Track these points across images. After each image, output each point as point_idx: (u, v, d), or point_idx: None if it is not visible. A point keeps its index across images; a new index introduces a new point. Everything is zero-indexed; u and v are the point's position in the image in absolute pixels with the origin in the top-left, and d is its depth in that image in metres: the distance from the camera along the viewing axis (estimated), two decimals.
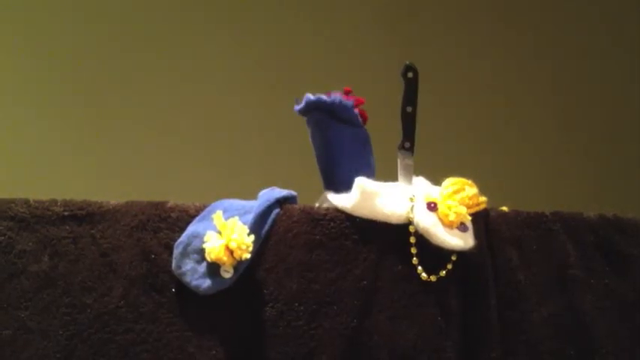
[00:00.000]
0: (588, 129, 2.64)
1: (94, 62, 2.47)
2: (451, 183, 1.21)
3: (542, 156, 2.62)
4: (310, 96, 1.24)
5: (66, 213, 1.15)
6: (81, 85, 2.47)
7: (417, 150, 1.23)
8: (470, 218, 1.18)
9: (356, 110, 1.25)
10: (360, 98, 1.27)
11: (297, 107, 1.25)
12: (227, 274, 1.12)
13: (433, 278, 1.16)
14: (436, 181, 1.23)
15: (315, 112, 1.25)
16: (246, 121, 2.50)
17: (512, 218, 1.23)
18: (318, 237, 1.16)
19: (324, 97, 1.24)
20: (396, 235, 1.16)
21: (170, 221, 1.15)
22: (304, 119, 1.28)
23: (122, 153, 2.46)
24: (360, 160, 1.25)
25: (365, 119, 1.27)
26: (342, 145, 1.25)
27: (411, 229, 1.16)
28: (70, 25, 2.48)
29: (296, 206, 1.19)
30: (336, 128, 1.25)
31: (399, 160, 1.23)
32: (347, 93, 1.26)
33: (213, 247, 1.11)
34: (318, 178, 1.29)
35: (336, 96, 1.24)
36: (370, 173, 1.23)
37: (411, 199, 1.18)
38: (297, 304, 1.13)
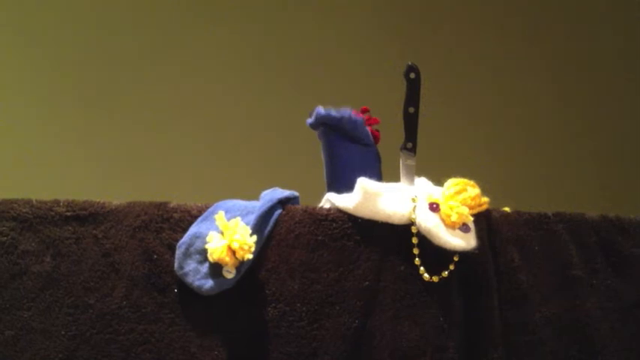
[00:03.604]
0: (590, 130, 2.64)
1: (96, 62, 2.47)
2: (453, 184, 1.21)
3: (545, 157, 2.62)
4: (320, 110, 1.24)
5: (68, 213, 1.15)
6: (83, 85, 2.47)
7: (419, 150, 1.23)
8: (472, 219, 1.18)
9: (368, 129, 1.25)
10: (375, 118, 1.26)
11: (309, 121, 1.25)
12: (229, 274, 1.12)
13: (435, 279, 1.16)
14: (438, 181, 1.23)
15: (324, 126, 1.25)
16: (248, 122, 2.51)
17: (514, 219, 1.23)
18: (320, 237, 1.16)
19: (333, 112, 1.24)
20: (398, 236, 1.16)
21: (172, 222, 1.15)
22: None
23: (125, 153, 2.46)
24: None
25: (377, 139, 1.26)
26: (348, 162, 1.25)
27: (414, 229, 1.16)
28: (70, 25, 2.48)
29: (298, 207, 1.19)
30: (344, 145, 1.25)
31: (401, 161, 1.23)
32: (363, 112, 1.25)
33: (216, 247, 1.11)
34: (320, 179, 1.29)
35: (346, 111, 1.24)
36: None
37: (413, 200, 1.18)
38: (299, 305, 1.14)
